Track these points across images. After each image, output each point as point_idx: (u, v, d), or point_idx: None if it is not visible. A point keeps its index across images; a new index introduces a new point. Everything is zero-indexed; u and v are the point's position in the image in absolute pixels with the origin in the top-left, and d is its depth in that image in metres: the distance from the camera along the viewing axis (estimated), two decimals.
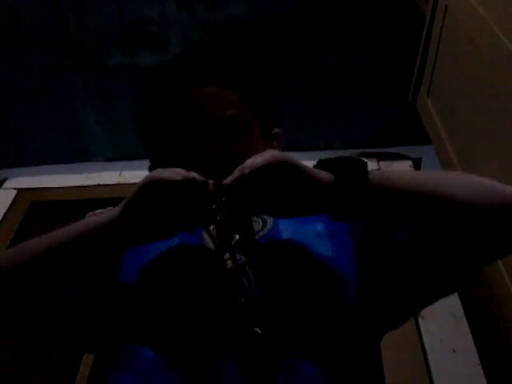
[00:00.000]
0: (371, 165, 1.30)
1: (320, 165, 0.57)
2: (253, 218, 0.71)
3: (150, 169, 0.85)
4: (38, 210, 1.29)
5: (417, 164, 1.33)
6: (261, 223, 0.70)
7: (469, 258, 0.58)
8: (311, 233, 0.68)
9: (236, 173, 0.55)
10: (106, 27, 2.44)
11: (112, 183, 1.35)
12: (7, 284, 0.60)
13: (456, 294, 1.00)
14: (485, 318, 1.22)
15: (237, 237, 0.62)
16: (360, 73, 2.59)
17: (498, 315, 1.02)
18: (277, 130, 0.84)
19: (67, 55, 2.54)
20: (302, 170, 0.54)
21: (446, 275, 0.62)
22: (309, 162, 1.29)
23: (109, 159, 2.91)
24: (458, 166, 1.20)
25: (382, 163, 1.30)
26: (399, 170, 0.53)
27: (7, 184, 1.35)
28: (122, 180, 1.36)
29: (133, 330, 0.61)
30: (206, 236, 0.69)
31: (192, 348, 0.56)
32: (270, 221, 0.70)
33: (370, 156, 1.34)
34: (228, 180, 0.55)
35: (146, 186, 0.55)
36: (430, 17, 1.37)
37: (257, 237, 0.68)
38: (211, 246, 0.68)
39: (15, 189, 1.33)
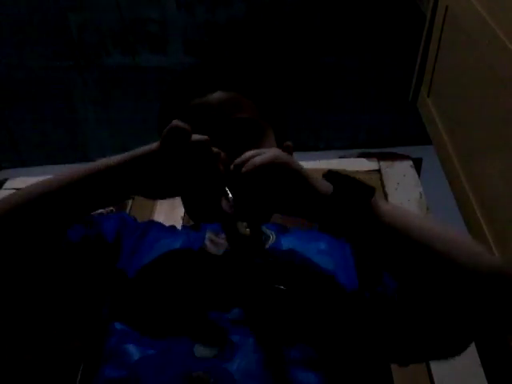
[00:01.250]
0: (371, 165, 1.30)
1: (328, 176, 0.56)
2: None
3: None
4: None
5: (417, 164, 1.33)
6: (263, 238, 0.70)
7: (456, 324, 0.55)
8: (313, 249, 0.68)
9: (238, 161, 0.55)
10: (106, 27, 2.44)
11: None
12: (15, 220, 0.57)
13: None
14: None
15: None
16: (360, 73, 2.59)
17: None
18: (288, 143, 0.85)
19: (67, 55, 2.54)
20: (303, 176, 0.53)
21: (436, 339, 0.59)
22: (309, 162, 1.30)
23: None
24: (458, 166, 1.20)
25: (382, 163, 1.30)
26: (408, 210, 0.52)
27: (7, 184, 1.35)
28: None
29: (122, 311, 0.61)
30: (208, 242, 0.69)
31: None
32: (272, 236, 0.70)
33: (370, 156, 1.34)
34: (237, 161, 0.56)
35: (174, 130, 0.54)
36: (431, 17, 1.37)
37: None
38: (213, 250, 0.67)
39: (16, 189, 1.33)
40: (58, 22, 2.42)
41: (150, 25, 2.43)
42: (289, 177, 0.53)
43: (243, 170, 0.53)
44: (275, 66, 2.50)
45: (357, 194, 0.53)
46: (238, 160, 0.55)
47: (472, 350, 0.92)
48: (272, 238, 0.70)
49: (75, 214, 0.60)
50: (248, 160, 0.54)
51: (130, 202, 1.27)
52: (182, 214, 1.18)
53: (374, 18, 2.39)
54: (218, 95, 0.72)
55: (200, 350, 0.54)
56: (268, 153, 0.54)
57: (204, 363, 0.52)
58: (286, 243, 0.69)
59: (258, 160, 0.53)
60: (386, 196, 1.21)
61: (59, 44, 2.50)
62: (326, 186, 0.54)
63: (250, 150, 0.67)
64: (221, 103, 0.72)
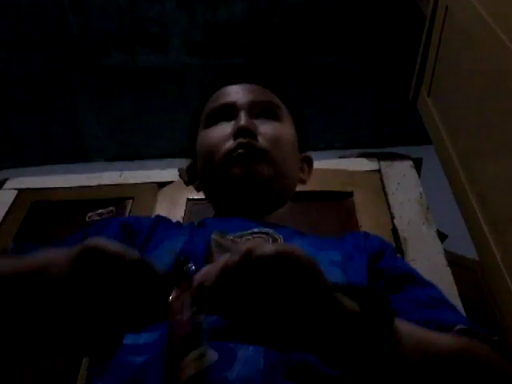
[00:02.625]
0: (371, 165, 1.30)
1: (339, 289, 0.44)
2: (262, 237, 0.67)
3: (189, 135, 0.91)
4: (39, 210, 1.28)
5: (417, 164, 1.33)
6: (271, 241, 0.66)
7: None
8: (324, 260, 0.63)
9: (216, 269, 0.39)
10: (106, 27, 2.44)
11: (112, 183, 1.34)
12: None
13: (456, 294, 1.00)
14: (485, 318, 1.22)
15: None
16: (360, 73, 2.59)
17: (499, 316, 1.02)
18: (308, 154, 0.90)
19: (67, 55, 2.54)
20: (321, 281, 0.40)
21: None
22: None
23: (109, 159, 2.91)
24: (459, 166, 1.20)
25: (382, 163, 1.29)
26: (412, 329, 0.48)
27: (8, 184, 1.35)
28: (122, 180, 1.35)
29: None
30: (215, 250, 0.62)
31: None
32: (280, 240, 0.67)
33: (370, 156, 1.34)
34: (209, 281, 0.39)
35: (85, 254, 0.40)
36: (431, 17, 1.37)
37: None
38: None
39: (16, 189, 1.33)
40: (58, 22, 2.42)
41: (149, 25, 2.43)
42: (301, 279, 0.38)
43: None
44: (275, 66, 2.50)
45: (385, 313, 0.44)
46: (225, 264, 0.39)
47: None
48: (280, 241, 0.67)
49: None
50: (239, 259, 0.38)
51: (130, 201, 1.27)
52: (183, 214, 1.18)
53: (374, 18, 2.39)
54: (251, 86, 0.84)
55: None
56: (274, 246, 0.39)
57: None
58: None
59: (258, 252, 0.37)
60: (386, 196, 1.21)
61: (59, 44, 2.50)
62: (349, 301, 0.42)
63: (268, 125, 0.81)
64: (253, 90, 0.84)
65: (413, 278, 0.68)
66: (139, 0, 2.36)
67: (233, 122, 0.79)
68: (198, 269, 0.42)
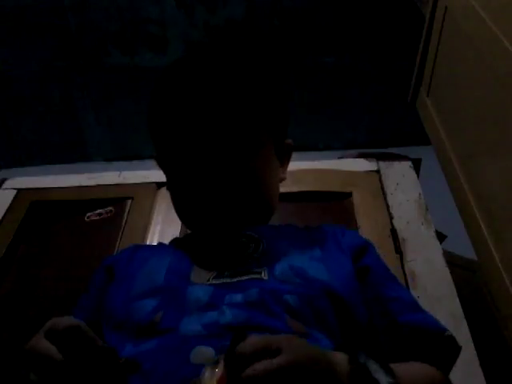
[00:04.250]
0: (370, 165, 1.30)
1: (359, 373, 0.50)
2: (244, 240, 0.67)
3: (156, 158, 0.81)
4: (38, 210, 1.28)
5: (416, 164, 1.33)
6: (253, 246, 0.66)
7: None
8: (308, 257, 0.65)
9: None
10: (106, 27, 2.44)
11: (112, 183, 1.34)
12: None
13: (455, 294, 1.00)
14: (484, 319, 1.22)
15: None
16: (360, 73, 2.59)
17: (498, 316, 1.02)
18: (289, 141, 0.79)
19: (67, 55, 2.54)
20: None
21: None
22: (309, 162, 1.30)
23: (108, 159, 2.91)
24: (457, 166, 1.20)
25: (381, 164, 1.30)
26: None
27: (7, 184, 1.35)
28: (121, 180, 1.35)
29: None
30: (193, 274, 0.63)
31: None
32: (263, 244, 0.67)
33: (369, 156, 1.34)
34: None
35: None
36: (430, 17, 1.37)
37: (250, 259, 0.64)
38: (199, 280, 0.61)
39: (15, 189, 1.33)
40: (57, 22, 2.42)
41: (149, 25, 2.43)
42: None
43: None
44: (275, 66, 2.50)
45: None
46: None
47: (471, 349, 0.92)
48: (262, 244, 0.67)
49: None
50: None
51: (129, 201, 1.27)
52: None
53: (374, 19, 2.40)
54: (213, 99, 0.67)
55: (196, 356, 0.52)
56: (281, 358, 0.44)
57: (201, 370, 0.50)
58: (279, 251, 0.65)
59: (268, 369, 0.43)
60: (385, 196, 1.21)
61: (59, 44, 2.50)
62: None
63: (243, 166, 0.67)
64: (217, 111, 0.67)
65: (394, 278, 0.71)
66: (139, 0, 2.36)
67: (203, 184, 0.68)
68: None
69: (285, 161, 0.80)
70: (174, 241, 0.82)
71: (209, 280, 0.61)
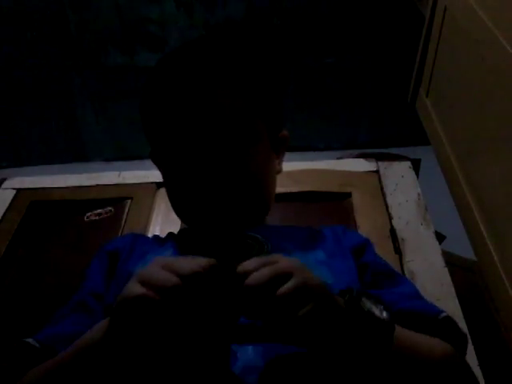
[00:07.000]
0: (370, 166, 1.30)
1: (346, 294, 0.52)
2: (249, 241, 0.67)
3: (151, 155, 0.80)
4: (38, 209, 1.28)
5: (416, 165, 1.33)
6: (257, 248, 0.66)
7: None
8: (312, 260, 0.65)
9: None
10: (106, 27, 2.44)
11: (111, 183, 1.34)
12: None
13: (454, 294, 1.00)
14: (483, 319, 1.22)
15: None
16: (359, 73, 2.59)
17: (497, 317, 1.02)
18: (284, 132, 0.79)
19: (67, 55, 2.54)
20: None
21: None
22: (308, 162, 1.30)
23: (108, 159, 2.91)
24: (457, 167, 1.20)
25: (380, 164, 1.30)
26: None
27: (6, 184, 1.35)
28: (121, 180, 1.35)
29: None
30: None
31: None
32: (267, 246, 0.66)
33: (368, 157, 1.34)
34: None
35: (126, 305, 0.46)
36: (429, 17, 1.37)
37: None
38: None
39: (14, 189, 1.33)
40: (57, 22, 2.42)
41: (149, 25, 2.43)
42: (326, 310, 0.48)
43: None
44: (275, 67, 2.50)
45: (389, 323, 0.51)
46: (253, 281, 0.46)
47: (470, 350, 0.92)
48: (266, 247, 0.66)
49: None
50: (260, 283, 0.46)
51: (129, 201, 1.27)
52: None
53: (374, 19, 2.40)
54: (208, 93, 0.66)
55: None
56: (297, 278, 0.47)
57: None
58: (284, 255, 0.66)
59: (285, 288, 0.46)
60: (384, 197, 1.21)
61: (59, 44, 2.50)
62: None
63: (238, 159, 0.66)
64: (211, 106, 0.66)
65: (393, 273, 0.72)
66: (139, 0, 2.36)
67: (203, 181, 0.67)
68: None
69: (280, 152, 0.79)
70: (171, 235, 0.81)
71: None
